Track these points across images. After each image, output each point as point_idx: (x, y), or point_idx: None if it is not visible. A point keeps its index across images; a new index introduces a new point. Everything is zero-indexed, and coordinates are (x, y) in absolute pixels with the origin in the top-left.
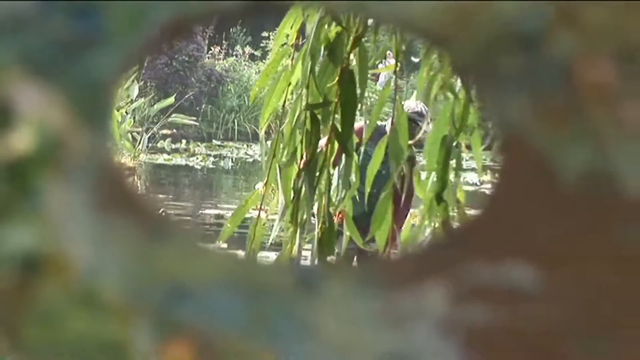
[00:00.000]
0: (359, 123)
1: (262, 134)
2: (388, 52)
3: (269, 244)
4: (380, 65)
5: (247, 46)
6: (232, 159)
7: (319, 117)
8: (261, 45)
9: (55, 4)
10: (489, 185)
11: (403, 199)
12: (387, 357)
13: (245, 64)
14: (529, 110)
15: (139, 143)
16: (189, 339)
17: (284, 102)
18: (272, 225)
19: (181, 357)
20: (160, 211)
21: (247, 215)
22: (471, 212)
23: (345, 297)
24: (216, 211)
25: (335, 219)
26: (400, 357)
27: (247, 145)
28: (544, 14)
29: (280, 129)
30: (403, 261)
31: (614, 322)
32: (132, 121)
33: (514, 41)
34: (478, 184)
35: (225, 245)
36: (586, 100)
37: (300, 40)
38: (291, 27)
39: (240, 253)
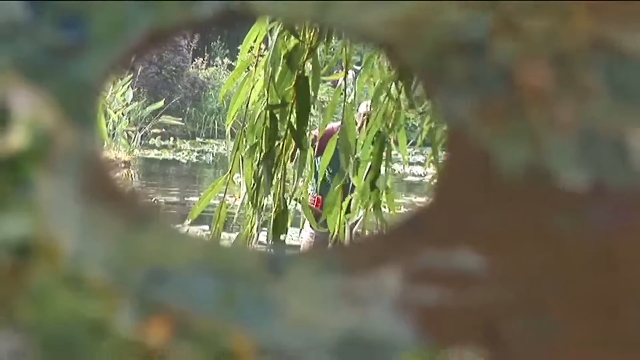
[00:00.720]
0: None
1: (228, 130)
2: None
3: (233, 224)
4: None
5: (226, 58)
6: (212, 154)
7: (277, 116)
8: (237, 57)
9: (45, 15)
10: (432, 177)
11: None
12: (347, 333)
13: (224, 73)
14: (473, 109)
15: (134, 140)
16: (167, 318)
17: (247, 103)
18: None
19: (160, 334)
20: (152, 199)
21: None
22: (417, 199)
23: (309, 279)
24: (199, 198)
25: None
26: (359, 333)
27: (226, 143)
28: (486, 23)
29: (244, 126)
30: (361, 246)
31: (551, 301)
32: (128, 122)
33: (459, 47)
34: (422, 175)
35: (206, 227)
36: (524, 101)
37: (263, 50)
38: (255, 39)
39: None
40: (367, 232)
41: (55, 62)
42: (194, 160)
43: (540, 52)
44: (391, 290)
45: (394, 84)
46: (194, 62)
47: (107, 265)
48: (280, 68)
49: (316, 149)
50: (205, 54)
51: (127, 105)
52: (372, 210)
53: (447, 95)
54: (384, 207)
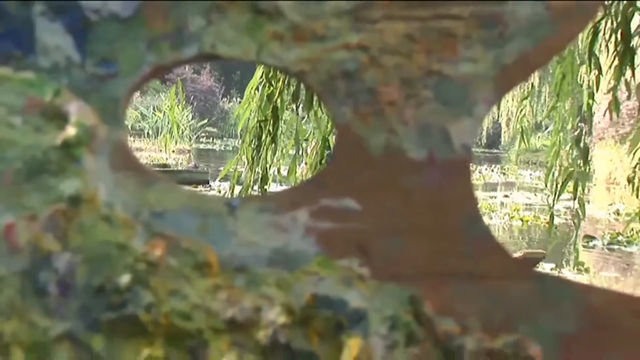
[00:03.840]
0: None
1: (239, 133)
2: None
3: (242, 181)
4: None
5: (238, 97)
6: (231, 146)
7: (263, 126)
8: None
9: (90, 55)
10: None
11: None
12: (276, 249)
13: (237, 105)
14: (352, 112)
15: (191, 139)
16: (164, 241)
17: (248, 119)
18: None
19: (160, 251)
20: (202, 166)
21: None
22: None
23: (252, 215)
24: (223, 168)
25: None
26: (283, 250)
27: (238, 140)
28: (360, 59)
29: (247, 131)
30: (284, 193)
31: (401, 229)
32: (189, 129)
33: (343, 75)
34: None
35: (228, 183)
36: (384, 107)
37: (256, 92)
38: (252, 87)
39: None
40: None
41: (95, 85)
42: (222, 149)
43: (393, 77)
44: (302, 223)
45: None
46: (222, 100)
47: (126, 209)
48: (264, 101)
49: None
50: (227, 95)
51: (189, 121)
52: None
53: (336, 104)
54: None
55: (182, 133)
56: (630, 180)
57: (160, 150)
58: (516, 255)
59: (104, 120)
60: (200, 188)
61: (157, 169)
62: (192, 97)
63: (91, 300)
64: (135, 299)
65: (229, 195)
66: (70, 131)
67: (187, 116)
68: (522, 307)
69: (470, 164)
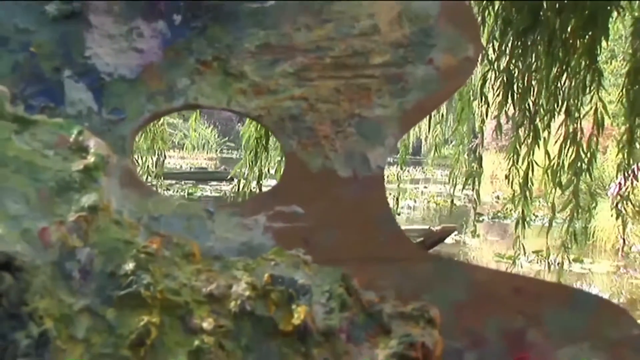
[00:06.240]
0: None
1: (243, 144)
2: None
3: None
4: None
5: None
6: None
7: (258, 141)
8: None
9: (104, 106)
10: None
11: None
12: (243, 243)
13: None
14: (297, 144)
15: (217, 151)
16: (160, 238)
17: (249, 135)
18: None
19: (156, 245)
20: (223, 168)
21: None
22: None
23: (225, 218)
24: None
25: None
26: (248, 242)
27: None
28: (302, 106)
29: (248, 145)
30: (248, 202)
31: (335, 226)
32: (215, 144)
33: (290, 117)
34: None
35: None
36: (320, 140)
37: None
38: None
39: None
40: None
41: (109, 127)
42: (238, 157)
43: (326, 119)
44: (262, 223)
45: None
46: (237, 124)
47: (132, 214)
48: (259, 124)
49: None
50: (241, 121)
51: (215, 139)
52: None
53: (285, 138)
54: None
55: (211, 147)
56: (507, 177)
57: (197, 159)
58: (437, 228)
59: (115, 151)
60: (224, 183)
61: (197, 170)
62: (217, 122)
63: (105, 282)
64: (138, 280)
65: (238, 188)
66: (90, 159)
67: (214, 135)
68: (425, 281)
69: (384, 179)
